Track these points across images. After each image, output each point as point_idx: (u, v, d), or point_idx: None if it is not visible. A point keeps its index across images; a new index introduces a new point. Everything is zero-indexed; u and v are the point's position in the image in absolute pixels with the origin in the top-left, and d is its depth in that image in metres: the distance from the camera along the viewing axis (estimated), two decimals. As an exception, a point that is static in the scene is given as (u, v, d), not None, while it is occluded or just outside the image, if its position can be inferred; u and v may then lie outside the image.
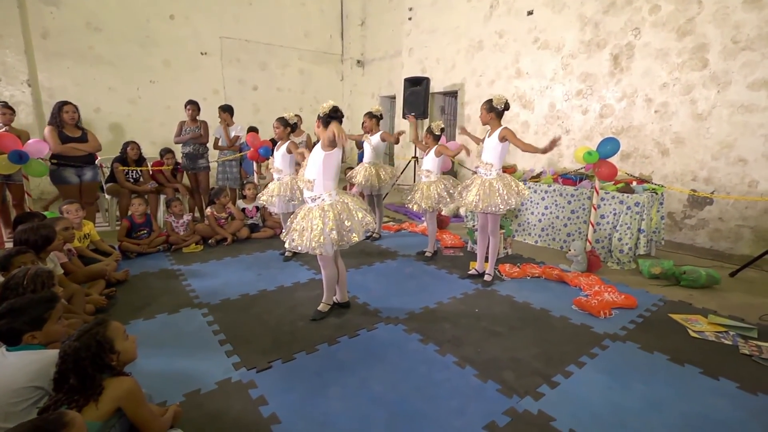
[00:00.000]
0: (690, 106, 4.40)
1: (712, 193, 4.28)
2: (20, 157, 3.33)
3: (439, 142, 3.82)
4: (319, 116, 2.48)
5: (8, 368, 1.42)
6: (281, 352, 2.29)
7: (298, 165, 3.80)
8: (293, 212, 3.60)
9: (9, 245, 2.83)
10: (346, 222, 2.45)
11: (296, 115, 3.82)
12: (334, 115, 2.44)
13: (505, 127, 3.08)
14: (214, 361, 2.20)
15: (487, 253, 3.45)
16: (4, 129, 3.79)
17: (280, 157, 3.81)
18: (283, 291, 3.20)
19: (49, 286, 1.88)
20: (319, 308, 2.76)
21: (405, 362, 2.22)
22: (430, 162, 3.82)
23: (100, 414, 1.29)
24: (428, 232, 4.06)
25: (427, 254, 4.03)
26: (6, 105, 4.03)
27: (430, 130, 3.82)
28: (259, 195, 3.96)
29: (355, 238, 2.46)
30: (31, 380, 1.41)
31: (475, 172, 3.41)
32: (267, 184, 5.35)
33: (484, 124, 3.20)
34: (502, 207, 3.07)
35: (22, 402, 1.38)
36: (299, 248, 2.46)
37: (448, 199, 3.78)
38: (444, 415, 1.80)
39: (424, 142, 3.91)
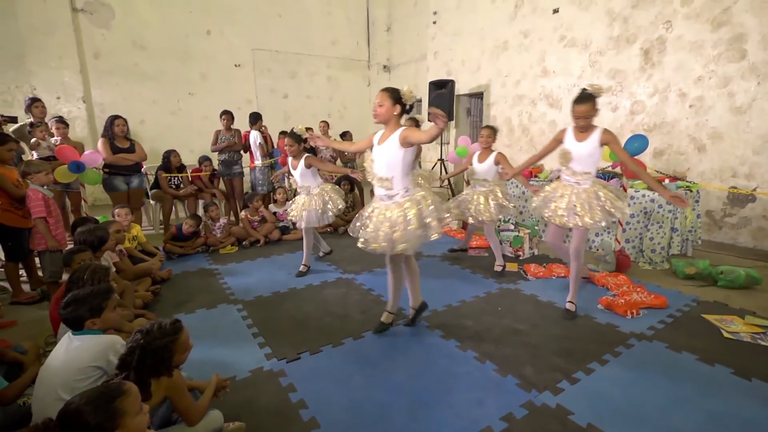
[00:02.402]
0: (728, 100, 4.21)
1: (755, 189, 4.07)
2: (78, 167, 3.69)
3: (466, 144, 3.81)
4: (402, 102, 2.22)
5: (74, 350, 1.63)
6: (309, 345, 2.43)
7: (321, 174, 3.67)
8: (325, 225, 3.62)
9: (70, 246, 3.16)
10: (430, 216, 2.24)
11: (307, 128, 3.43)
12: (410, 109, 2.29)
13: (607, 130, 2.51)
14: (247, 352, 2.37)
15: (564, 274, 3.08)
16: (59, 141, 4.17)
17: (299, 175, 3.52)
18: (311, 289, 3.36)
19: (105, 280, 2.11)
20: (412, 317, 2.62)
21: (426, 356, 2.30)
22: (485, 170, 3.48)
23: (152, 402, 1.46)
24: (492, 245, 3.67)
25: (497, 269, 3.63)
26: (60, 120, 4.37)
27: (494, 129, 3.49)
28: (289, 210, 3.73)
29: (449, 218, 2.34)
30: (93, 360, 1.60)
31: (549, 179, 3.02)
32: (296, 190, 5.58)
33: (585, 128, 2.56)
34: (605, 221, 2.57)
35: (85, 379, 1.57)
36: (389, 250, 2.26)
37: (510, 208, 3.50)
38: (462, 406, 1.87)
39: (482, 146, 3.53)
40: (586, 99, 2.49)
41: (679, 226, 3.70)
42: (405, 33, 9.23)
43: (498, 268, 3.62)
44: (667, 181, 4.04)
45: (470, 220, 3.57)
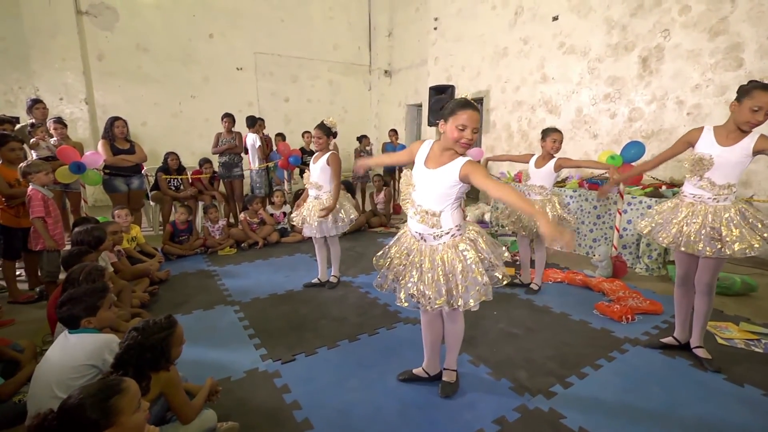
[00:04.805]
0: (725, 108, 4.23)
1: (751, 197, 4.09)
2: (79, 168, 3.71)
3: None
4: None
5: (70, 348, 1.64)
6: (305, 347, 2.44)
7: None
8: (335, 235, 3.25)
9: (68, 246, 3.18)
10: (491, 255, 1.76)
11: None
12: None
13: (765, 136, 1.98)
14: (243, 353, 2.38)
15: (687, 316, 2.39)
16: (57, 142, 4.18)
17: (318, 170, 3.18)
18: (308, 292, 3.37)
19: (100, 280, 2.12)
20: (447, 379, 2.02)
21: (421, 359, 2.28)
22: (544, 176, 3.10)
23: (147, 398, 1.48)
24: (537, 262, 3.33)
25: (533, 287, 3.33)
26: (58, 120, 4.34)
27: (562, 134, 3.07)
28: (293, 215, 3.42)
29: (499, 275, 1.77)
30: (88, 359, 1.62)
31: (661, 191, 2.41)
32: (296, 193, 5.61)
33: (755, 123, 1.96)
34: (755, 248, 1.96)
35: (80, 378, 1.58)
36: (443, 307, 1.73)
37: (569, 221, 3.11)
38: (455, 408, 1.88)
39: (551, 151, 3.08)
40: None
41: (676, 232, 3.71)
42: (406, 38, 9.30)
43: (535, 287, 3.32)
44: (664, 187, 4.06)
45: (522, 233, 3.21)
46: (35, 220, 2.92)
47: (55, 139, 4.24)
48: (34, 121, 4.32)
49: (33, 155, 4.12)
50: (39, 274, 3.27)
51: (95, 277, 2.12)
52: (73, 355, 1.61)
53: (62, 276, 2.64)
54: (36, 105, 4.37)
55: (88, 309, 1.72)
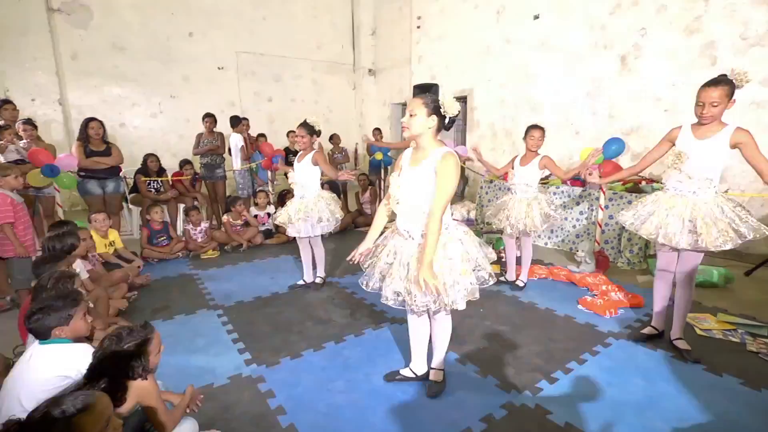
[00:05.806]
0: (700, 104, 4.35)
1: (726, 191, 4.20)
2: (52, 171, 3.58)
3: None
4: (441, 114, 1.73)
5: (40, 360, 1.57)
6: (290, 350, 2.40)
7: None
8: (317, 235, 3.24)
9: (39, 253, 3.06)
10: (478, 255, 1.79)
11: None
12: (450, 124, 1.79)
13: (742, 128, 2.02)
14: (226, 358, 2.32)
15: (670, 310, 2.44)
16: (27, 144, 4.00)
17: (302, 170, 3.16)
18: (294, 294, 3.32)
19: (70, 287, 2.04)
20: (434, 379, 2.00)
21: (407, 359, 2.28)
22: (529, 173, 3.16)
23: (124, 409, 1.42)
24: (524, 259, 3.34)
25: (519, 283, 3.36)
26: (27, 122, 4.12)
27: (544, 130, 3.11)
28: (275, 215, 3.44)
29: (485, 275, 1.78)
30: (60, 371, 1.55)
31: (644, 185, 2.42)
32: (279, 193, 5.54)
33: (710, 122, 2.06)
34: (732, 243, 2.01)
35: (51, 390, 1.51)
36: (429, 307, 1.76)
37: (555, 218, 3.17)
38: (442, 408, 1.87)
39: (531, 148, 3.13)
40: (719, 83, 1.97)
41: (656, 227, 3.79)
42: (390, 37, 9.27)
43: (520, 284, 3.34)
44: (643, 183, 4.14)
45: (508, 230, 3.24)
46: (4, 225, 2.79)
47: (24, 141, 4.07)
48: (2, 122, 4.14)
49: (1, 159, 3.95)
50: (9, 282, 3.14)
51: (64, 283, 2.03)
52: (42, 367, 1.55)
53: (34, 284, 2.54)
54: (5, 106, 4.18)
55: (60, 318, 1.65)
